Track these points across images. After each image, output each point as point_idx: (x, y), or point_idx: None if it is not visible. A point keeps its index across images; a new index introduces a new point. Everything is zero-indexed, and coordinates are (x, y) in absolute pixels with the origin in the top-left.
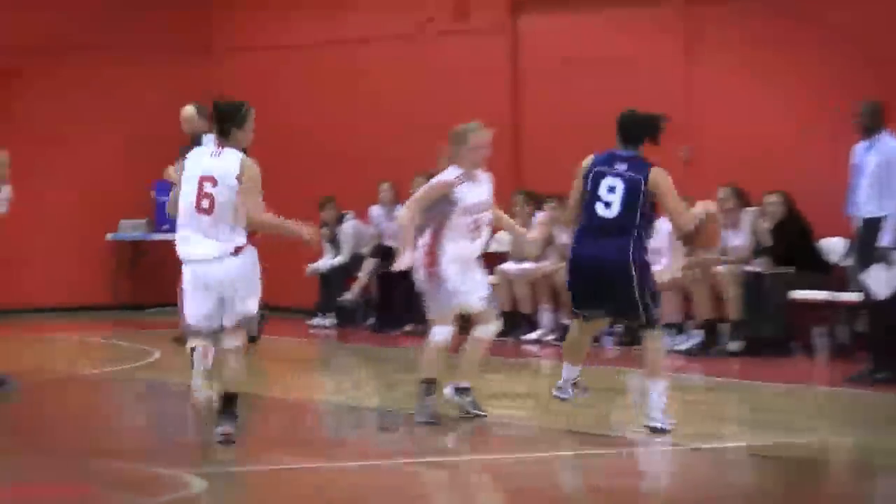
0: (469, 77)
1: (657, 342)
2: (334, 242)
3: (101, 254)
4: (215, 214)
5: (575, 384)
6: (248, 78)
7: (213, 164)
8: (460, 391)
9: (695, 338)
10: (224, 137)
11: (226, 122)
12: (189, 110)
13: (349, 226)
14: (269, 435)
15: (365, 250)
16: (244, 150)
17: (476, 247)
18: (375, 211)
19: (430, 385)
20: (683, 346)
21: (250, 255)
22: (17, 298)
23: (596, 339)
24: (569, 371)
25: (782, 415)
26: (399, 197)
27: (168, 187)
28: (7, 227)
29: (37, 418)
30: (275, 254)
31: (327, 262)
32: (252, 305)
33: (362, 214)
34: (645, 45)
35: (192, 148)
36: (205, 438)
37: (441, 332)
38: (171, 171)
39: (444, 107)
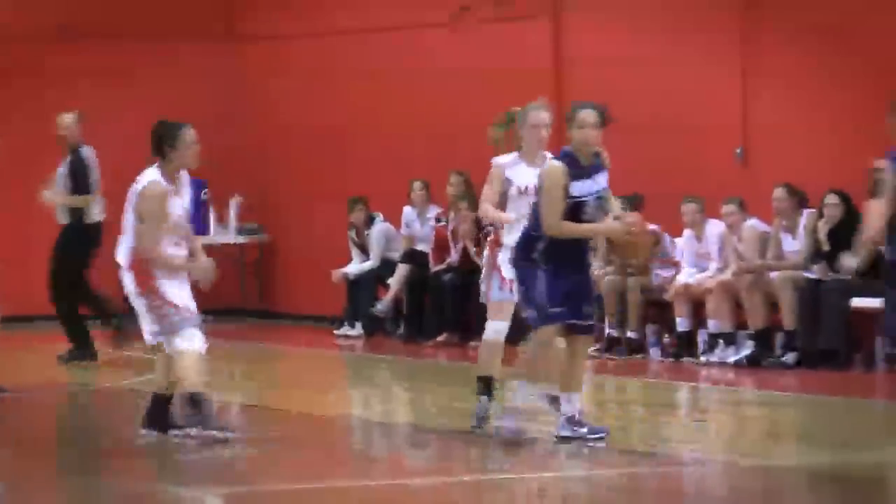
0: (509, 68)
1: (534, 348)
2: (363, 247)
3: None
4: (123, 225)
5: (571, 420)
6: (271, 68)
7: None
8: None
9: (747, 348)
10: (161, 157)
11: (158, 142)
12: (68, 118)
13: (378, 229)
14: (291, 452)
15: (396, 255)
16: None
17: None
18: (407, 212)
19: (482, 384)
20: (734, 358)
21: (133, 277)
22: (27, 305)
23: (642, 349)
24: (564, 402)
25: (841, 432)
26: (433, 197)
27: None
28: (16, 229)
29: (47, 434)
30: (299, 259)
31: (355, 267)
32: (148, 324)
33: (394, 215)
34: (699, 37)
35: (72, 160)
36: (224, 456)
37: (493, 328)
38: (45, 195)
39: (483, 100)
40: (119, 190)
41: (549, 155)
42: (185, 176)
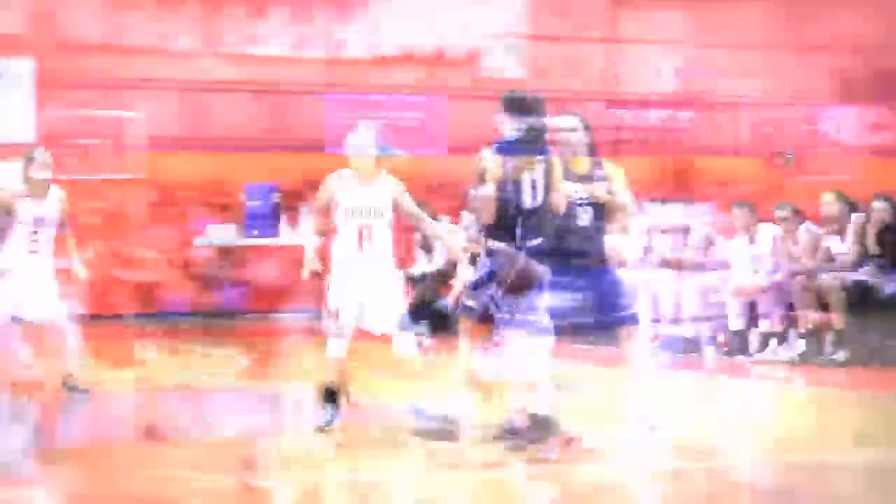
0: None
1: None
2: (428, 248)
3: (189, 260)
4: None
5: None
6: None
7: None
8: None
9: (798, 347)
10: None
11: None
12: None
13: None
14: (350, 440)
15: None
16: None
17: (363, 255)
18: (465, 216)
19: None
20: (786, 356)
21: None
22: (105, 305)
23: (698, 346)
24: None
25: (890, 427)
26: None
27: (260, 192)
28: (92, 233)
29: (120, 430)
30: None
31: (420, 268)
32: None
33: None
34: (748, 47)
35: None
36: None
37: (331, 345)
38: None
39: None
40: (195, 204)
41: (382, 173)
42: None
